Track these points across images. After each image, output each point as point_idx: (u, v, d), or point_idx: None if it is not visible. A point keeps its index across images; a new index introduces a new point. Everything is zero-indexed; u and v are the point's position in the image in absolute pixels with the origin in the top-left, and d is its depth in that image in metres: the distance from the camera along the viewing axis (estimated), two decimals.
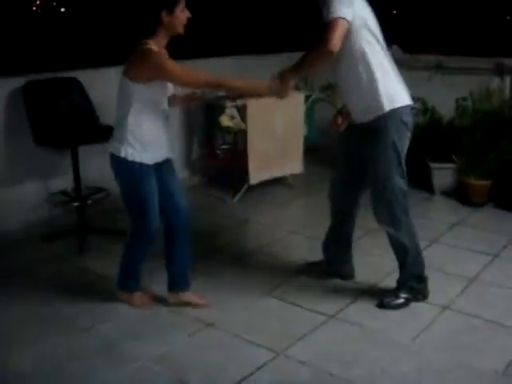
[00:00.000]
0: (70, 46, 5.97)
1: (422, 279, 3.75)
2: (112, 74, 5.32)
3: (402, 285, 3.72)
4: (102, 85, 5.10)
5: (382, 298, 3.71)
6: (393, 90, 3.41)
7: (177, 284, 3.71)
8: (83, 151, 4.68)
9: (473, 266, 4.26)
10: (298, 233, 4.90)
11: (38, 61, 5.33)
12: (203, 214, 5.44)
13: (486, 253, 4.47)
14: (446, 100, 5.80)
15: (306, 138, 6.27)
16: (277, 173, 5.95)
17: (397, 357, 3.18)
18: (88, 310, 3.71)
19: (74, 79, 4.90)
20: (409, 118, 3.51)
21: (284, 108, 5.75)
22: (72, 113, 4.71)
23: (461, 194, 5.62)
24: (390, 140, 3.43)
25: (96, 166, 5.05)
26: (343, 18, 3.16)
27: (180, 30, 3.34)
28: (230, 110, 5.55)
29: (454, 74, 6.00)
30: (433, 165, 5.74)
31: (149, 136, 3.36)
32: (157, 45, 3.27)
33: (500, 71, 5.87)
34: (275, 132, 5.79)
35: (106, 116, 4.87)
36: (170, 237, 3.66)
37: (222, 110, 5.60)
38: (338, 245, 3.97)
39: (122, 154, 3.36)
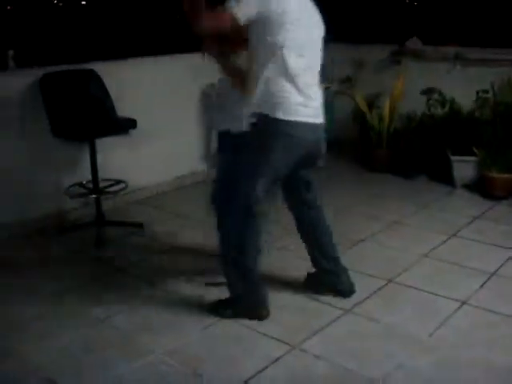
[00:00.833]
0: (89, 38, 5.97)
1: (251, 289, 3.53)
2: (130, 66, 5.35)
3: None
4: (119, 77, 5.10)
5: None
6: None
7: None
8: (101, 143, 4.68)
9: (493, 260, 4.19)
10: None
11: (57, 53, 5.33)
12: None
13: (507, 247, 4.40)
14: (466, 92, 5.73)
15: (325, 131, 6.21)
16: None
17: (413, 352, 3.13)
18: (103, 301, 3.70)
19: (92, 71, 4.89)
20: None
21: None
22: (89, 105, 4.69)
23: (482, 188, 5.55)
24: None
25: (114, 159, 5.07)
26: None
27: None
28: None
29: (475, 65, 5.92)
30: (454, 158, 5.68)
31: None
32: None
33: None
34: None
35: (124, 108, 4.87)
36: None
37: None
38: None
39: None
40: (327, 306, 3.61)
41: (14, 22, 7.87)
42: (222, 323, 3.44)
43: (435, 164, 5.86)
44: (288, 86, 3.16)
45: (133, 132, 4.70)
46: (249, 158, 3.28)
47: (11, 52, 5.54)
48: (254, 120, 3.26)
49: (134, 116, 4.68)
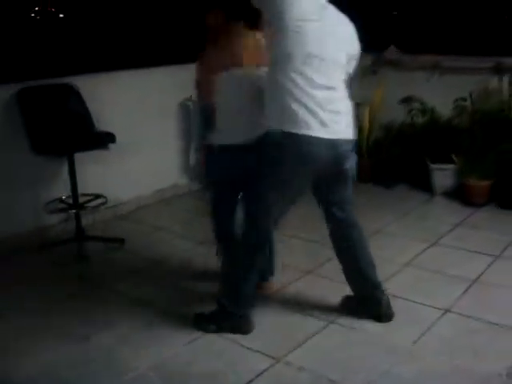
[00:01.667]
0: (68, 52, 5.93)
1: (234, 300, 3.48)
2: (108, 79, 5.33)
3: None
4: (98, 91, 5.08)
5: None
6: None
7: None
8: (80, 158, 4.65)
9: (474, 267, 4.21)
10: (297, 237, 4.85)
11: (35, 67, 5.29)
12: (202, 219, 5.39)
13: (487, 253, 4.42)
14: (445, 100, 5.76)
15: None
16: None
17: (397, 361, 3.13)
18: (86, 318, 3.67)
19: (70, 85, 4.86)
20: None
21: None
22: (68, 119, 4.67)
23: (461, 195, 5.58)
24: None
25: (94, 173, 5.04)
26: None
27: None
28: None
29: (453, 73, 5.96)
30: (433, 166, 5.71)
31: None
32: None
33: (498, 71, 5.83)
34: None
35: (103, 123, 4.85)
36: None
37: None
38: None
39: None
40: (311, 317, 3.60)
41: None
42: (206, 337, 3.42)
43: (415, 172, 5.88)
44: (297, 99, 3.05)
45: (112, 146, 4.67)
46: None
47: None
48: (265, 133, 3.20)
49: (112, 130, 4.65)
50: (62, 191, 4.81)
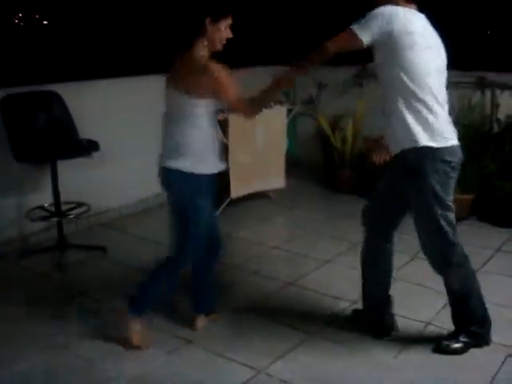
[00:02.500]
0: (51, 59, 5.91)
1: (483, 324, 3.43)
2: (92, 87, 5.31)
3: (461, 329, 3.42)
4: (82, 98, 5.06)
5: (440, 340, 3.43)
6: (432, 126, 3.17)
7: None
8: (63, 166, 4.63)
9: None
10: (279, 248, 4.85)
11: (18, 74, 5.27)
12: None
13: None
14: None
15: (288, 152, 6.26)
16: (258, 187, 5.93)
17: (379, 375, 3.14)
18: (65, 327, 3.64)
19: (54, 93, 4.84)
20: (453, 158, 3.19)
21: (266, 122, 5.74)
22: (51, 127, 4.65)
23: None
24: (429, 185, 3.15)
25: (76, 181, 5.01)
26: (354, 33, 3.05)
27: (218, 46, 3.23)
28: None
29: None
30: None
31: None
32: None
33: (481, 85, 5.89)
34: (257, 146, 5.77)
35: (86, 130, 4.83)
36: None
37: None
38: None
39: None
40: (293, 329, 3.60)
41: None
42: (187, 348, 3.41)
43: None
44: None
45: (95, 154, 4.65)
46: None
47: None
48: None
49: (96, 138, 4.64)
50: (45, 199, 4.78)
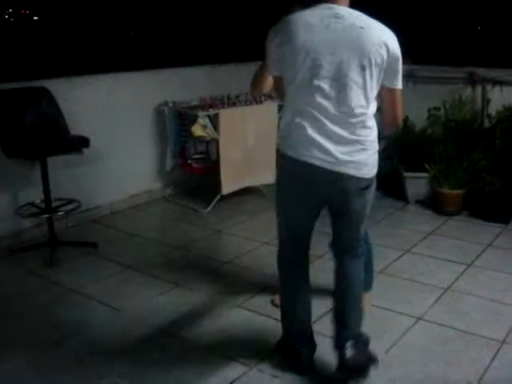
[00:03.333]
0: (42, 55, 5.89)
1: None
2: (83, 83, 5.29)
3: None
4: (72, 95, 5.04)
5: None
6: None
7: None
8: (54, 162, 4.61)
9: (447, 275, 4.24)
10: (270, 244, 4.84)
11: (8, 69, 5.23)
12: (176, 224, 5.39)
13: (460, 262, 4.46)
14: (418, 109, 5.82)
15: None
16: (249, 183, 5.92)
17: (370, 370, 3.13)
18: (55, 324, 3.63)
19: (44, 88, 4.81)
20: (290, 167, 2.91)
21: (257, 117, 5.73)
22: (41, 123, 4.62)
23: (435, 203, 5.63)
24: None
25: (67, 178, 4.99)
26: None
27: None
28: (203, 119, 5.50)
29: (427, 83, 6.02)
30: (406, 174, 5.75)
31: None
32: None
33: (472, 81, 5.90)
34: (248, 142, 5.76)
35: (77, 127, 4.81)
36: None
37: (194, 119, 5.55)
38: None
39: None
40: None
41: None
42: (178, 344, 3.40)
43: (388, 181, 5.92)
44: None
45: (86, 151, 4.63)
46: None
47: None
48: None
49: (86, 134, 4.62)
50: (36, 195, 4.76)
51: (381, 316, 3.69)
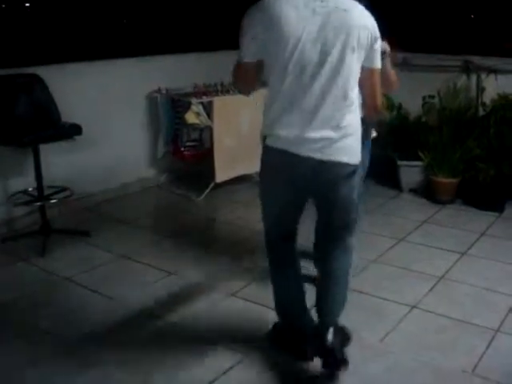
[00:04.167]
0: (34, 42, 5.83)
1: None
2: (75, 70, 5.24)
3: None
4: (64, 82, 4.99)
5: None
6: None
7: None
8: (46, 150, 4.57)
9: (441, 264, 4.24)
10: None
11: None
12: (169, 213, 5.37)
13: (454, 250, 4.46)
14: (413, 98, 5.79)
15: None
16: (243, 171, 5.89)
17: (365, 358, 3.12)
18: (49, 312, 3.61)
19: (36, 75, 4.76)
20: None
21: (251, 105, 5.68)
22: (33, 110, 4.58)
23: (429, 192, 5.62)
24: None
25: (59, 165, 4.95)
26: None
27: None
28: (196, 106, 5.47)
29: (421, 71, 6.00)
30: (400, 162, 5.74)
31: None
32: None
33: (467, 69, 5.88)
34: (242, 129, 5.73)
35: (69, 114, 4.77)
36: None
37: (187, 106, 5.52)
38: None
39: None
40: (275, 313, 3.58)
41: None
42: (173, 331, 3.39)
43: (382, 169, 5.90)
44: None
45: (78, 138, 4.60)
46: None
47: None
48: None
49: (79, 122, 4.58)
50: (28, 183, 4.72)
51: (375, 304, 3.69)
